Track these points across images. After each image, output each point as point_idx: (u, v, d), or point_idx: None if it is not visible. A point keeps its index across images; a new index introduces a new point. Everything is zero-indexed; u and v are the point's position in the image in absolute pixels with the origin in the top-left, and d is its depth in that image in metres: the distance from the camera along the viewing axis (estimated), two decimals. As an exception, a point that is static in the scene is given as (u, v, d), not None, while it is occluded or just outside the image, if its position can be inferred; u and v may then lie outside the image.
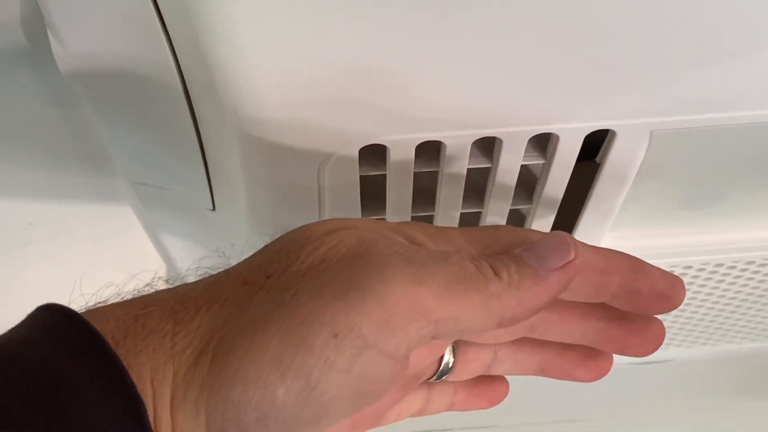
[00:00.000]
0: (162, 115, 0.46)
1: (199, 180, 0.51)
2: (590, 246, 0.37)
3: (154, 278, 0.37)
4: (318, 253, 0.33)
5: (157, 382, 0.30)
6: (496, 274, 0.34)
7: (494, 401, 0.46)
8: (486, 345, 0.42)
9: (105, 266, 0.74)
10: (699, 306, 0.66)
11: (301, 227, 0.35)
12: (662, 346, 0.74)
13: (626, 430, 1.36)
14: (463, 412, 0.46)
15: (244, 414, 0.30)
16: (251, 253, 0.36)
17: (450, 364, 0.42)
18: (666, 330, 0.70)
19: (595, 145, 0.47)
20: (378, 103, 0.40)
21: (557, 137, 0.44)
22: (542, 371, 0.44)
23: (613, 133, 0.44)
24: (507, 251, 0.36)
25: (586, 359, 0.43)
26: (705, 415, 1.32)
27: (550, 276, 0.35)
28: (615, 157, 0.46)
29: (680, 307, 0.66)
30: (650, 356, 0.78)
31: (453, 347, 0.42)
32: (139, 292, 0.35)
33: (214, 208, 0.54)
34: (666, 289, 0.38)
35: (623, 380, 1.14)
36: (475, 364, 0.43)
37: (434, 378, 0.42)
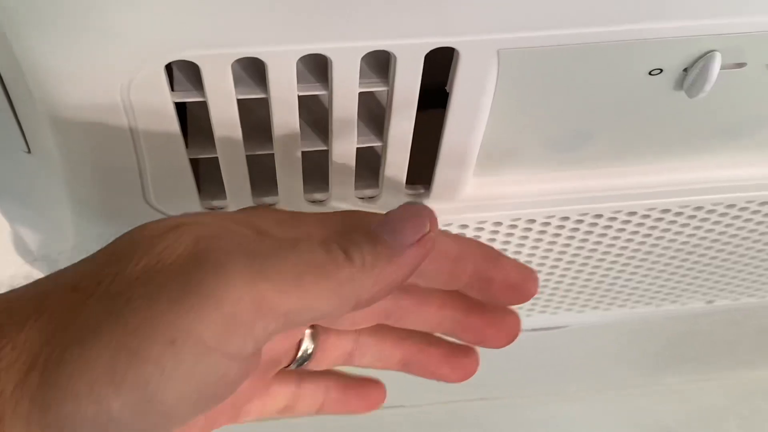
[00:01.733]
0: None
1: (6, 118, 0.45)
2: (445, 232, 0.38)
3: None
4: (152, 255, 0.31)
5: None
6: (349, 257, 0.33)
7: (370, 403, 0.45)
8: (346, 332, 0.42)
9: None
10: (583, 264, 0.62)
11: (137, 227, 0.33)
12: (552, 310, 0.70)
13: (540, 408, 1.33)
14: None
15: (79, 429, 0.29)
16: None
17: (309, 351, 0.41)
18: (553, 292, 0.66)
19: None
20: (175, 7, 0.35)
21: (395, 57, 0.39)
22: (405, 366, 0.44)
23: (457, 53, 0.39)
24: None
25: (451, 357, 0.44)
26: (618, 391, 1.30)
27: (405, 252, 0.34)
28: (463, 83, 0.41)
29: (563, 266, 0.62)
30: (543, 322, 0.75)
31: (312, 333, 0.41)
32: None
33: (29, 151, 0.48)
34: (518, 281, 0.39)
35: (532, 356, 1.11)
36: (335, 351, 0.43)
37: (294, 365, 0.42)
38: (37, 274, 0.73)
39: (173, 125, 0.42)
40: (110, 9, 0.34)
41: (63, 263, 0.60)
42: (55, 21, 0.35)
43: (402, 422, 1.27)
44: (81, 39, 0.36)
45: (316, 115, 0.46)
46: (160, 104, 0.40)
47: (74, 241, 0.54)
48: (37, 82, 0.39)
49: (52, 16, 0.35)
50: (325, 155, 0.47)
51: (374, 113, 0.46)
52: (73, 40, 0.36)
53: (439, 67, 0.42)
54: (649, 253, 0.62)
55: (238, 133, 0.43)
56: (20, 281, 0.74)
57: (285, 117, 0.42)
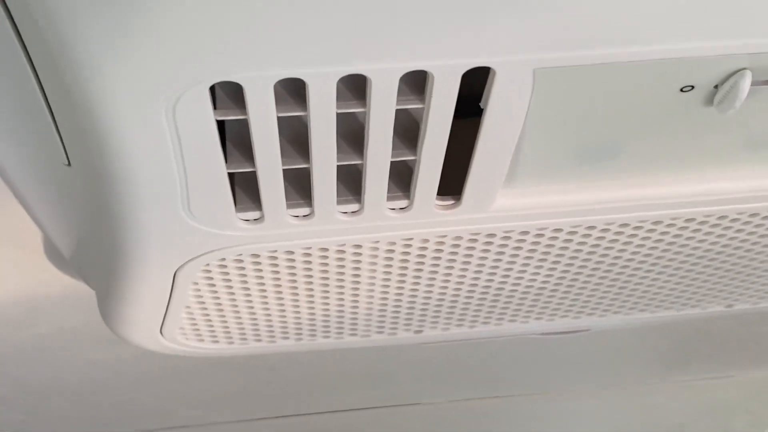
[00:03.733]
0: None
1: (46, 129, 0.46)
2: None
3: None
4: None
5: None
6: None
7: None
8: None
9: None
10: (607, 271, 0.63)
11: None
12: (574, 315, 0.71)
13: (554, 405, 1.34)
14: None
15: None
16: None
17: None
18: (576, 297, 0.67)
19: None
20: (221, 33, 0.36)
21: (432, 76, 0.40)
22: None
23: (493, 72, 0.40)
24: None
25: None
26: (632, 388, 1.31)
27: None
28: (498, 100, 0.42)
29: (588, 273, 0.63)
30: (565, 326, 0.76)
31: None
32: None
33: (69, 163, 0.49)
34: None
35: (546, 353, 1.12)
36: None
37: None
38: (68, 280, 0.74)
39: (214, 141, 0.43)
40: (164, 31, 0.35)
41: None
42: (111, 44, 0.36)
43: (418, 419, 1.28)
44: (133, 60, 0.37)
45: (348, 128, 0.47)
46: (202, 122, 0.41)
47: (111, 251, 0.55)
48: (86, 100, 0.40)
49: (111, 38, 0.36)
50: (356, 168, 0.48)
51: (406, 126, 0.47)
52: (126, 63, 0.37)
53: (468, 76, 0.43)
54: (672, 259, 0.62)
55: (276, 148, 0.44)
56: (55, 287, 0.75)
57: (323, 133, 0.43)
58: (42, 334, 0.84)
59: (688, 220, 0.57)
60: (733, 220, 0.57)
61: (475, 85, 0.43)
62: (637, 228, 0.57)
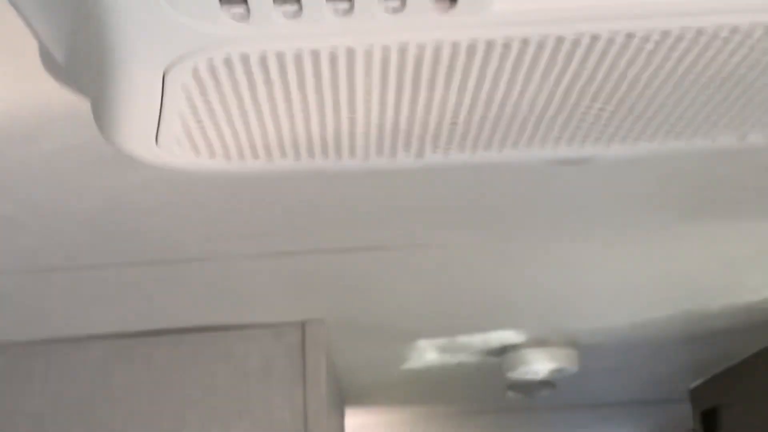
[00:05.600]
0: None
1: None
2: None
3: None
4: None
5: None
6: None
7: None
8: None
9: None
10: (613, 89, 0.61)
11: None
12: (579, 141, 0.70)
13: (565, 249, 1.34)
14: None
15: None
16: None
17: None
18: (581, 120, 0.65)
19: None
20: None
21: None
22: None
23: None
24: None
25: None
26: (644, 235, 1.31)
27: None
28: None
29: (593, 91, 0.61)
30: (569, 153, 0.74)
31: None
32: None
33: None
34: None
35: (557, 196, 1.11)
36: None
37: None
38: (69, 96, 0.73)
39: None
40: None
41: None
42: None
43: (427, 259, 1.29)
44: None
45: None
46: None
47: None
48: None
49: None
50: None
51: None
52: None
53: None
54: (681, 79, 0.60)
55: None
56: (56, 102, 0.74)
57: None
58: (47, 151, 0.84)
59: (698, 32, 0.54)
60: (746, 35, 0.55)
61: None
62: (642, 40, 0.54)
